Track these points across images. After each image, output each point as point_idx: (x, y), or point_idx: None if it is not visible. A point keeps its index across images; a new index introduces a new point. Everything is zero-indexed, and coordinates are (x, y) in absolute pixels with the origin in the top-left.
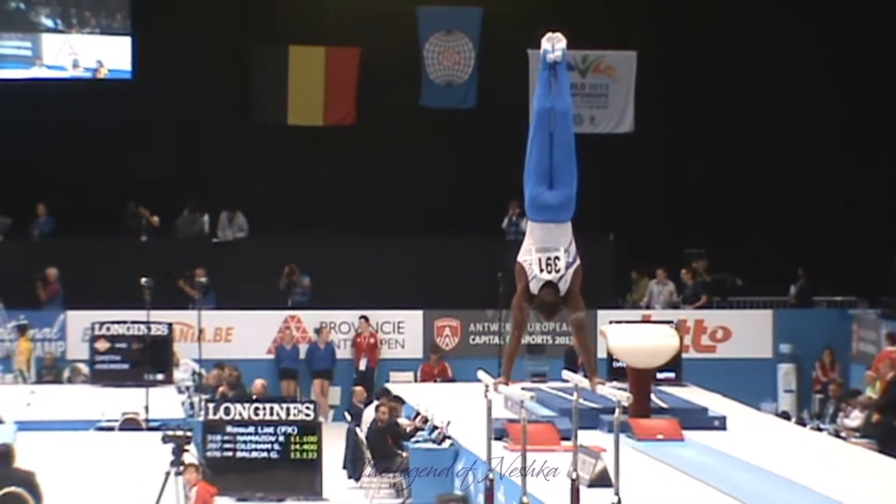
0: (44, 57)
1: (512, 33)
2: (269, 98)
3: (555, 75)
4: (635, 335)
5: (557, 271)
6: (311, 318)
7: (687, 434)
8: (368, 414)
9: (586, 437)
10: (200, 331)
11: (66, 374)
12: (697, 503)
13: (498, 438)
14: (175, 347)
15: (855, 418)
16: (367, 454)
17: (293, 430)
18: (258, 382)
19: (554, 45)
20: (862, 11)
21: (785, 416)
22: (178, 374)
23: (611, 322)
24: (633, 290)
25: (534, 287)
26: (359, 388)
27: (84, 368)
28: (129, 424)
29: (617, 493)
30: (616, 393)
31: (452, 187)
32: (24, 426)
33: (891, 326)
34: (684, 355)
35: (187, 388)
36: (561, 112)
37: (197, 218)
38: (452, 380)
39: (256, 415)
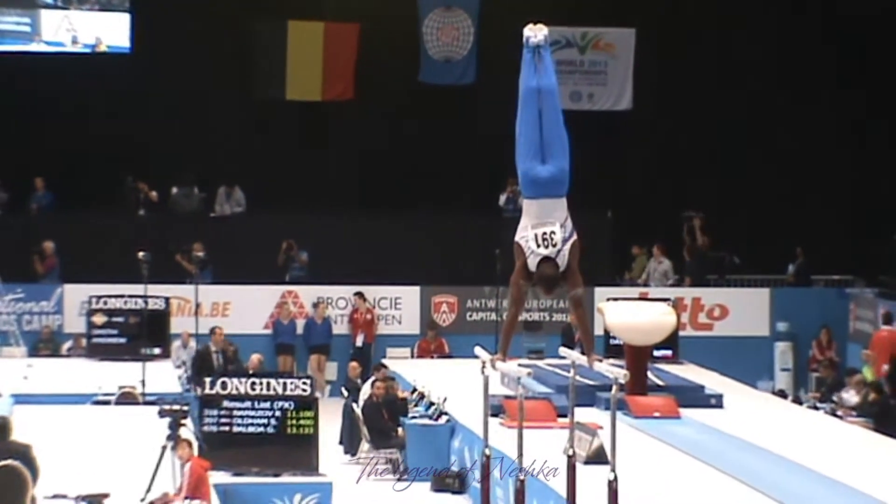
0: (42, 33)
1: (511, 9)
2: (267, 73)
3: (539, 57)
4: (632, 312)
5: (554, 245)
6: (308, 294)
7: (683, 412)
8: (366, 389)
9: (583, 414)
10: (198, 305)
11: (66, 346)
12: (694, 481)
13: (494, 415)
14: (186, 327)
15: (852, 396)
16: (364, 430)
17: (290, 406)
18: (254, 357)
19: (536, 32)
20: None
21: (781, 394)
22: (183, 355)
23: (608, 299)
24: (633, 266)
25: (532, 263)
26: (353, 364)
27: (84, 341)
28: (126, 398)
29: (613, 471)
30: (613, 370)
31: (450, 164)
32: (20, 399)
33: (888, 306)
34: (681, 333)
35: (184, 363)
36: (547, 89)
37: (193, 192)
38: (449, 356)
39: (253, 390)
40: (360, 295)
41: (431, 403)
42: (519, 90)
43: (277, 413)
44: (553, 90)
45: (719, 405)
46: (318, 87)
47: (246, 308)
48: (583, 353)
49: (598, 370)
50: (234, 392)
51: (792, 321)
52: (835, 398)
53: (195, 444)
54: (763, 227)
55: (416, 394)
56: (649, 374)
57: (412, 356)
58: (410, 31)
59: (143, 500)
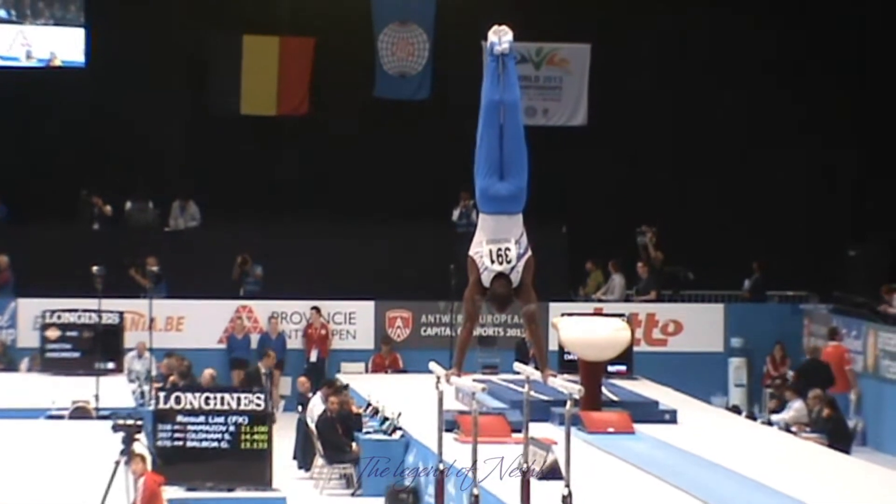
0: None
1: (466, 25)
2: (222, 87)
3: (503, 67)
4: (587, 328)
5: (508, 262)
6: (262, 309)
7: (638, 427)
8: (315, 403)
9: (537, 430)
10: (152, 320)
11: (23, 365)
12: (648, 496)
13: (449, 430)
14: (140, 341)
15: (797, 410)
16: (318, 444)
17: (244, 420)
18: (206, 373)
19: (501, 37)
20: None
21: (735, 410)
22: (137, 365)
23: (563, 314)
24: (588, 282)
25: (486, 279)
26: (302, 379)
27: (40, 358)
28: (79, 413)
29: (567, 486)
30: (567, 385)
31: (405, 179)
32: None
33: (841, 322)
34: (636, 348)
35: (138, 377)
36: (510, 104)
37: (147, 206)
38: (404, 371)
39: (207, 404)
40: (316, 309)
41: (386, 419)
42: (481, 101)
43: (231, 428)
44: (516, 105)
45: (673, 421)
46: (273, 102)
47: (200, 323)
48: (537, 368)
49: (552, 385)
50: (189, 407)
51: (746, 337)
52: (773, 417)
53: (149, 459)
54: (718, 242)
55: (370, 409)
56: (604, 389)
57: (366, 371)
58: (366, 45)
59: None
